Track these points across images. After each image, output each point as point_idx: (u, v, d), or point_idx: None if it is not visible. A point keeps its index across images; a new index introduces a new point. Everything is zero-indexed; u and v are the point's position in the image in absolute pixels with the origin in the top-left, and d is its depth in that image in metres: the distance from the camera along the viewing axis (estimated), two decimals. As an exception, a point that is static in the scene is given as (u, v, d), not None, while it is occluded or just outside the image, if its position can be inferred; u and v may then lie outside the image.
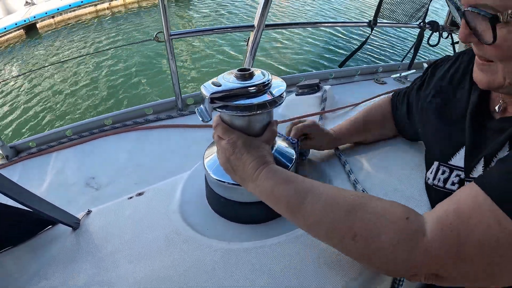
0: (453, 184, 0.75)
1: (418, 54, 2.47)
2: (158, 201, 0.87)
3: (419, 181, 0.89)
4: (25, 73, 7.30)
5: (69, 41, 9.59)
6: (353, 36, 8.77)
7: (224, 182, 0.76)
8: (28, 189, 0.70)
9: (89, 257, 0.73)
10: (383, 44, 8.52)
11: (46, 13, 10.57)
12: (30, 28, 10.33)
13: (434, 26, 2.42)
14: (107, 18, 11.25)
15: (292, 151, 0.84)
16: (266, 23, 1.71)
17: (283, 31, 8.77)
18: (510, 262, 0.47)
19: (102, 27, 10.48)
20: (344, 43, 8.51)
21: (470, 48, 0.70)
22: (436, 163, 0.80)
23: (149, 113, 1.74)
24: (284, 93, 0.72)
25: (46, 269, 0.71)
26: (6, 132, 5.75)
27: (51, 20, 10.81)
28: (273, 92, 0.70)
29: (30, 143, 1.56)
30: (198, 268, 0.67)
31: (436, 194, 0.80)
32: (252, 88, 0.67)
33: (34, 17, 10.34)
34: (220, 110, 0.68)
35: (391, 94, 1.08)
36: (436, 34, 2.45)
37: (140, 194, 0.90)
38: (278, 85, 0.73)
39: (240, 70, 0.70)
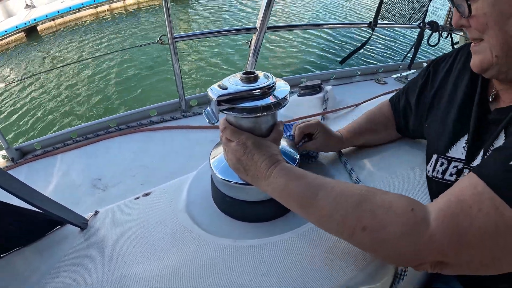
0: (451, 175, 0.78)
1: (418, 54, 2.48)
2: (164, 201, 0.88)
3: (420, 180, 0.91)
4: (30, 76, 7.32)
5: (70, 44, 9.60)
6: (354, 37, 8.78)
7: (230, 181, 0.77)
8: None
9: (99, 256, 0.74)
10: (384, 44, 8.53)
11: (46, 16, 10.59)
12: (30, 31, 10.35)
13: (433, 26, 2.43)
14: (107, 20, 11.27)
15: (296, 152, 0.86)
16: (268, 25, 1.72)
17: (284, 33, 8.78)
18: (509, 247, 0.49)
19: (103, 29, 10.48)
20: (345, 44, 8.52)
21: (470, 42, 0.72)
22: (435, 156, 0.82)
23: (153, 114, 1.75)
24: (288, 95, 0.73)
25: (56, 269, 0.72)
26: (12, 135, 5.76)
27: (52, 23, 10.82)
28: (278, 94, 0.72)
29: (36, 145, 1.57)
30: (207, 265, 0.69)
31: (436, 186, 0.82)
32: (258, 90, 0.69)
33: (35, 19, 10.36)
34: (227, 112, 0.69)
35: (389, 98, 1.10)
36: (436, 34, 2.47)
37: (146, 194, 0.91)
38: (282, 87, 0.75)
39: (245, 74, 0.72)
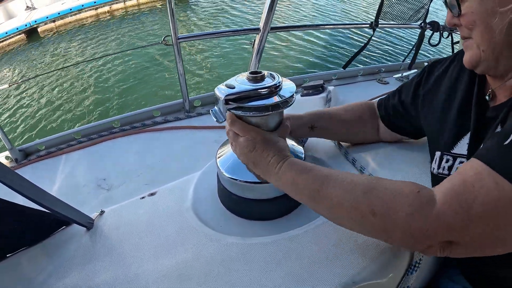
0: None
1: (419, 54, 2.48)
2: (171, 200, 0.88)
3: (424, 177, 0.91)
4: (34, 77, 7.33)
5: (71, 45, 9.62)
6: (355, 37, 8.80)
7: (236, 180, 0.78)
8: None
9: (105, 256, 0.74)
10: (385, 44, 8.54)
11: (47, 17, 10.61)
12: (31, 33, 10.37)
13: (434, 26, 2.43)
14: (108, 22, 11.28)
15: (301, 148, 0.87)
16: (271, 25, 1.73)
17: (286, 33, 8.80)
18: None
19: (104, 31, 10.50)
20: (347, 44, 8.54)
21: None
22: (438, 153, 0.83)
23: (157, 115, 1.76)
24: (295, 94, 0.74)
25: (62, 269, 0.72)
26: (15, 136, 5.77)
27: (52, 25, 10.84)
28: (284, 93, 0.73)
29: (39, 146, 1.57)
30: (214, 264, 0.69)
31: None
32: (265, 89, 0.70)
33: (35, 21, 10.38)
34: (235, 111, 0.70)
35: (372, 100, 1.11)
36: (437, 34, 2.47)
37: (152, 194, 0.91)
38: (288, 86, 0.76)
39: (252, 73, 0.72)
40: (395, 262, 0.70)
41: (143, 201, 0.89)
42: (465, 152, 0.77)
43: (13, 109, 6.60)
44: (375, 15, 2.30)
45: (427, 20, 2.46)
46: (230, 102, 0.68)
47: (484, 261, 0.77)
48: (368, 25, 2.32)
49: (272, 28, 1.74)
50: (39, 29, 10.55)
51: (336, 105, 1.65)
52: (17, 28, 10.03)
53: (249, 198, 0.80)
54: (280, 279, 0.65)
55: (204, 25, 10.67)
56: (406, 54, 2.77)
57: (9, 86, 1.59)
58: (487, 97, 0.75)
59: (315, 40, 8.79)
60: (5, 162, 1.52)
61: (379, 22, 2.30)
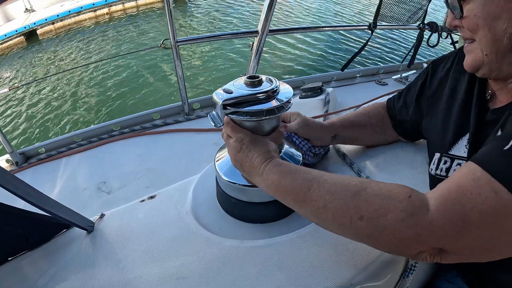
0: None
1: (418, 54, 2.49)
2: (170, 203, 0.89)
3: (422, 179, 0.92)
4: (34, 81, 7.34)
5: (70, 47, 9.62)
6: (354, 38, 8.80)
7: (235, 183, 0.78)
8: None
9: (106, 259, 0.75)
10: (384, 45, 8.55)
11: (46, 20, 10.61)
12: (30, 35, 10.37)
13: (433, 27, 2.44)
14: (107, 23, 11.28)
15: (299, 153, 0.87)
16: (269, 28, 1.73)
17: (285, 36, 8.80)
18: (508, 232, 0.50)
19: (102, 33, 10.49)
20: (345, 45, 8.54)
21: None
22: (437, 154, 0.83)
23: (156, 118, 1.77)
24: (291, 99, 0.75)
25: (63, 272, 0.72)
26: (16, 139, 5.77)
27: (51, 27, 10.84)
28: (281, 97, 0.73)
29: (39, 149, 1.58)
30: (213, 267, 0.70)
31: None
32: (262, 94, 0.70)
33: (34, 23, 10.38)
34: (231, 116, 0.70)
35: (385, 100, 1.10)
36: (436, 34, 2.48)
37: (152, 197, 0.92)
38: (285, 90, 0.76)
39: (249, 78, 0.73)
40: (391, 265, 0.71)
41: (143, 204, 0.90)
42: (463, 154, 0.77)
43: (13, 112, 6.59)
44: (373, 17, 2.31)
45: (425, 21, 2.47)
46: (227, 107, 0.69)
47: (481, 263, 0.78)
48: (366, 27, 2.32)
49: (270, 31, 1.74)
50: (38, 32, 10.55)
51: (334, 107, 1.66)
52: (16, 31, 10.03)
53: (248, 201, 0.80)
54: (278, 282, 0.65)
55: (203, 26, 10.68)
56: (405, 55, 2.78)
57: (9, 90, 1.59)
58: (487, 97, 0.76)
59: (313, 42, 8.79)
60: (6, 165, 1.53)
61: (377, 24, 2.31)
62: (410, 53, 2.56)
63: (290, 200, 0.65)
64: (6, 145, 1.47)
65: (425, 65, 2.45)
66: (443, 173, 0.80)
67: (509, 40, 0.62)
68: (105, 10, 11.83)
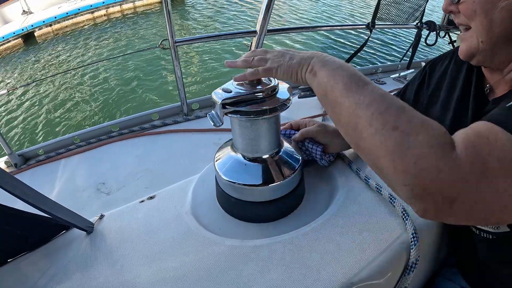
0: None
1: (416, 53, 2.50)
2: (170, 204, 0.88)
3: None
4: (32, 82, 7.33)
5: (68, 49, 9.63)
6: (352, 37, 8.81)
7: (234, 183, 0.78)
8: None
9: (105, 260, 0.74)
10: (382, 45, 8.56)
11: (43, 22, 10.62)
12: (28, 37, 10.38)
13: (431, 26, 2.45)
14: (104, 25, 11.29)
15: (298, 155, 0.86)
16: (268, 28, 1.73)
17: (284, 36, 8.81)
18: None
19: (100, 34, 10.50)
20: (344, 45, 8.56)
21: None
22: None
23: (155, 118, 1.77)
24: (291, 96, 0.75)
25: (63, 272, 0.72)
26: (14, 140, 5.77)
27: (49, 29, 10.85)
28: (281, 96, 0.73)
29: (38, 151, 1.58)
30: (214, 266, 0.70)
31: None
32: (261, 93, 0.70)
33: (32, 25, 10.38)
34: (231, 115, 0.70)
35: None
36: (434, 33, 2.48)
37: (151, 197, 0.91)
38: (284, 89, 0.76)
39: None
40: (392, 263, 0.71)
41: (143, 204, 0.89)
42: None
43: (12, 114, 6.60)
44: (371, 16, 2.32)
45: (423, 20, 2.47)
46: (227, 106, 0.69)
47: (483, 261, 0.78)
48: (365, 26, 2.33)
49: (269, 31, 1.75)
50: (35, 34, 10.56)
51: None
52: (14, 33, 10.03)
53: (248, 201, 0.80)
54: (278, 281, 0.65)
55: (202, 26, 10.69)
56: (403, 54, 2.78)
57: (8, 91, 1.59)
58: (486, 91, 0.76)
59: (312, 42, 8.81)
60: (5, 167, 1.53)
61: (376, 23, 2.32)
62: (408, 52, 2.57)
63: (340, 84, 0.61)
64: (5, 146, 1.47)
65: (423, 64, 2.46)
66: None
67: (504, 28, 0.63)
68: (103, 12, 11.85)
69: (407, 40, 8.59)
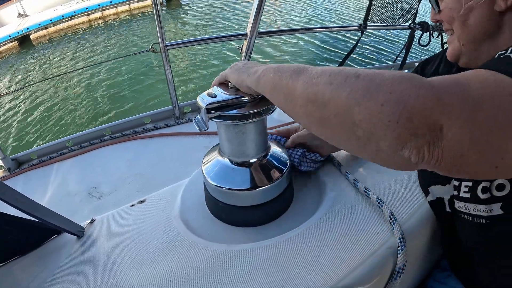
0: None
1: (409, 54, 2.51)
2: (159, 208, 0.89)
3: (413, 178, 0.91)
4: (25, 86, 7.34)
5: (63, 52, 9.61)
6: (345, 39, 8.81)
7: (222, 187, 0.79)
8: None
9: (95, 264, 0.75)
10: (375, 46, 8.57)
11: (39, 24, 10.61)
12: (23, 40, 10.36)
13: (424, 26, 2.46)
14: (100, 27, 11.28)
15: (286, 156, 0.87)
16: (258, 30, 1.74)
17: (276, 38, 8.81)
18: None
19: (96, 37, 10.50)
20: (337, 46, 8.55)
21: None
22: None
23: (147, 122, 1.77)
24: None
25: (54, 277, 0.73)
26: (7, 145, 5.76)
27: (45, 31, 10.84)
28: (266, 100, 0.73)
29: (32, 155, 1.58)
30: (201, 271, 0.70)
31: None
32: (247, 98, 0.71)
33: (28, 28, 10.36)
34: (216, 120, 0.71)
35: None
36: (427, 34, 2.50)
37: (141, 201, 0.92)
38: None
39: None
40: (379, 268, 0.70)
41: (133, 208, 0.90)
42: None
43: (5, 118, 6.58)
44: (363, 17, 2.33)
45: (417, 21, 2.49)
46: (211, 111, 0.69)
47: (476, 248, 0.77)
48: (356, 27, 2.34)
49: (259, 33, 1.75)
50: (31, 36, 10.54)
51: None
52: (9, 36, 10.01)
53: (235, 205, 0.80)
54: (264, 286, 0.66)
55: (197, 27, 10.68)
56: (397, 54, 2.80)
57: (0, 96, 1.60)
58: None
59: (303, 44, 8.81)
60: (-1, 171, 1.54)
61: (368, 24, 2.33)
62: (402, 53, 2.58)
63: (286, 73, 0.58)
64: (-2, 151, 1.47)
65: (416, 64, 2.47)
66: None
67: (481, 28, 0.66)
68: (98, 15, 11.83)
69: (400, 41, 8.60)
